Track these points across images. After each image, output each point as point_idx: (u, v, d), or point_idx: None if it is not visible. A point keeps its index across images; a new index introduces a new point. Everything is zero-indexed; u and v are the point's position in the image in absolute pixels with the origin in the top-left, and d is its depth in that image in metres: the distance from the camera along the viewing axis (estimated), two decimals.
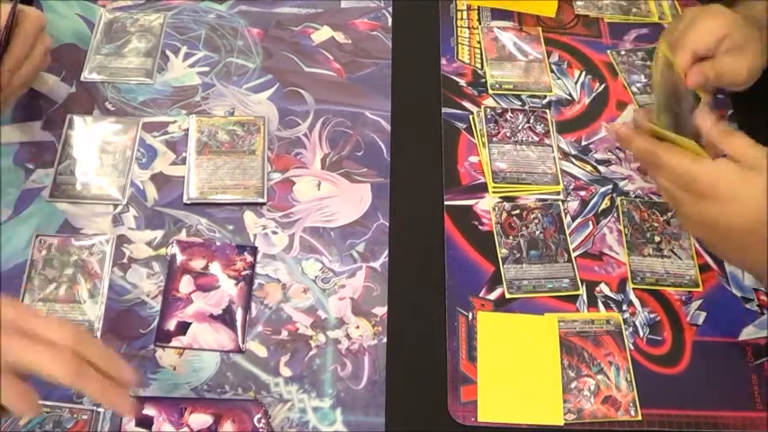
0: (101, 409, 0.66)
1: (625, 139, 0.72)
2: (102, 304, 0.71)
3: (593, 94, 0.89)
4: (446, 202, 0.79)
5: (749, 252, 0.66)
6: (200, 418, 0.65)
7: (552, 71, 0.90)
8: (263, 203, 0.78)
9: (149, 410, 0.66)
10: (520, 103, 0.87)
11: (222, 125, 0.82)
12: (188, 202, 0.77)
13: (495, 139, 0.84)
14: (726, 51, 0.74)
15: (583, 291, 0.75)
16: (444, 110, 0.86)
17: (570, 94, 0.88)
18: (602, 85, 0.89)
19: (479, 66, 0.90)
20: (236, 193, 0.78)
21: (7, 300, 0.55)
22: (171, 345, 0.70)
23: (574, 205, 0.80)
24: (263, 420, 0.66)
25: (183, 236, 0.76)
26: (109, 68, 0.86)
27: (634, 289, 0.75)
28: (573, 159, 0.83)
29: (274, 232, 0.77)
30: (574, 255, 0.77)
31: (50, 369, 0.53)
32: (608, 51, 0.92)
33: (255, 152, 0.80)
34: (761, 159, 0.64)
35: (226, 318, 0.71)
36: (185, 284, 0.73)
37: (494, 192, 0.80)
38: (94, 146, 0.81)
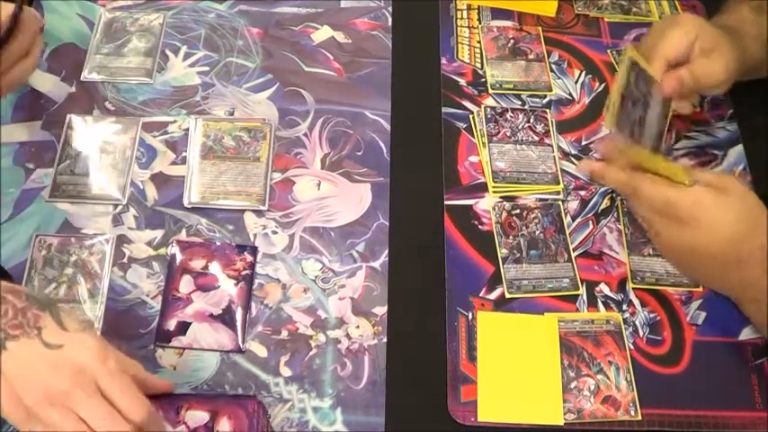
0: None
1: (599, 176, 0.73)
2: (102, 304, 0.71)
3: (594, 94, 0.89)
4: (446, 202, 0.79)
5: (726, 275, 0.68)
6: (197, 415, 0.65)
7: (552, 71, 0.90)
8: (264, 211, 0.78)
9: None
10: (520, 103, 0.87)
11: (229, 130, 0.82)
12: (189, 206, 0.77)
13: (495, 138, 0.84)
14: (698, 54, 0.75)
15: (583, 291, 0.75)
16: (444, 110, 0.86)
17: (570, 94, 0.88)
18: (603, 85, 0.89)
19: (479, 65, 0.90)
20: (238, 200, 0.78)
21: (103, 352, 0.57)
22: (171, 345, 0.70)
23: (574, 205, 0.80)
24: (258, 413, 0.65)
25: (182, 236, 0.76)
26: (109, 68, 0.86)
27: (634, 289, 0.75)
28: (573, 159, 0.83)
29: (274, 232, 0.77)
30: (574, 254, 0.77)
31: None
32: (608, 51, 0.92)
33: (260, 159, 0.80)
34: (731, 183, 0.67)
35: (226, 318, 0.71)
36: (185, 284, 0.73)
37: (494, 191, 0.80)
38: (94, 146, 0.81)
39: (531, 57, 0.91)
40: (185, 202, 0.77)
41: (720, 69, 0.75)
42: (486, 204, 0.79)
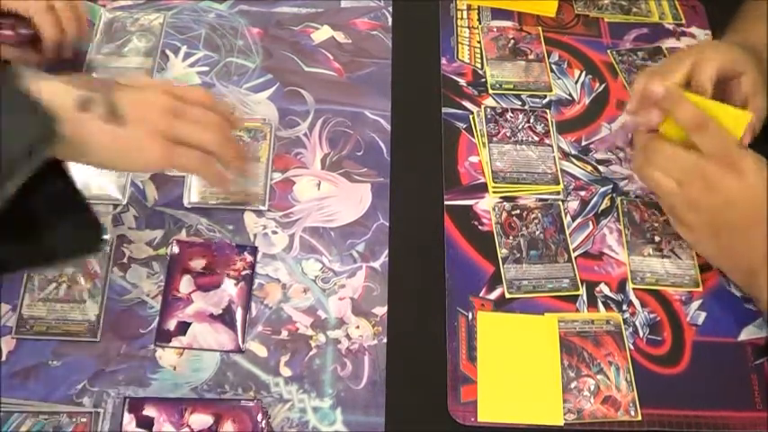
0: (100, 410, 0.66)
1: (674, 97, 0.70)
2: (103, 304, 0.71)
3: (594, 94, 0.89)
4: (446, 202, 0.79)
5: (755, 234, 0.67)
6: (201, 419, 0.65)
7: (552, 71, 0.90)
8: (264, 210, 0.78)
9: (149, 411, 0.65)
10: (520, 103, 0.87)
11: None
12: (188, 206, 0.77)
13: (495, 138, 0.84)
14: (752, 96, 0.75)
15: (583, 291, 0.75)
16: (444, 110, 0.86)
17: (570, 94, 0.88)
18: (603, 85, 0.89)
19: (479, 65, 0.90)
20: (238, 199, 0.78)
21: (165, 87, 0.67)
22: (171, 345, 0.70)
23: (574, 205, 0.80)
24: (263, 421, 0.66)
25: (183, 236, 0.76)
26: (109, 68, 0.86)
27: (634, 289, 0.75)
28: (573, 159, 0.83)
29: (274, 232, 0.77)
30: (574, 255, 0.77)
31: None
32: (608, 51, 0.92)
33: (260, 159, 0.80)
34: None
35: (226, 318, 0.71)
36: (185, 284, 0.73)
37: (494, 192, 0.80)
38: None
39: (531, 57, 0.91)
40: (185, 202, 0.77)
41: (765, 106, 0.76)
42: (486, 205, 0.79)
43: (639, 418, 0.68)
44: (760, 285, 0.69)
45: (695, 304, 0.74)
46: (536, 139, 0.84)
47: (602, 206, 0.80)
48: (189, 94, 0.68)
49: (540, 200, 0.80)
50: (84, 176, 0.77)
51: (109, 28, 0.90)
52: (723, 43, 0.79)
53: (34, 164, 0.56)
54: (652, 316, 0.74)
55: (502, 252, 0.76)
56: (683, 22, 0.96)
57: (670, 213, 0.74)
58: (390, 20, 0.93)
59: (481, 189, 0.80)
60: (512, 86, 0.88)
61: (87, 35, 0.85)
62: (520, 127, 0.85)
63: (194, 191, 0.78)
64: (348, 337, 0.71)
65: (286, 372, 0.69)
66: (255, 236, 0.76)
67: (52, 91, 0.59)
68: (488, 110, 0.86)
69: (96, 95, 0.61)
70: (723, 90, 0.75)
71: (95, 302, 0.71)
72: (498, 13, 0.95)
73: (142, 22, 0.91)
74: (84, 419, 0.65)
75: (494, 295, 0.74)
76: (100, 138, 0.61)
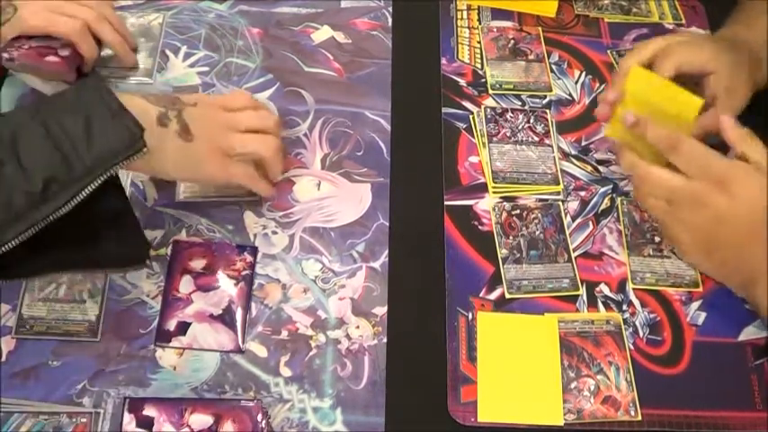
0: (100, 410, 0.66)
1: (643, 127, 0.71)
2: (103, 304, 0.71)
3: (594, 94, 0.89)
4: (446, 202, 0.79)
5: (750, 247, 0.67)
6: (201, 419, 0.65)
7: (552, 71, 0.90)
8: (256, 201, 0.78)
9: (149, 411, 0.65)
10: (520, 103, 0.87)
11: None
12: (180, 200, 0.77)
13: (495, 139, 0.84)
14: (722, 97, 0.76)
15: (583, 291, 0.75)
16: (444, 110, 0.86)
17: (570, 94, 0.88)
18: (603, 85, 0.89)
19: (479, 66, 0.90)
20: (229, 192, 0.77)
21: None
22: (171, 345, 0.70)
23: (574, 205, 0.80)
24: (263, 421, 0.66)
25: (182, 236, 0.76)
26: (109, 68, 0.86)
27: (634, 289, 0.75)
28: (573, 159, 0.83)
29: (274, 232, 0.77)
30: (574, 255, 0.77)
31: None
32: (608, 51, 0.92)
33: None
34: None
35: (226, 318, 0.71)
36: (185, 284, 0.73)
37: (494, 192, 0.80)
38: None
39: (531, 57, 0.91)
40: (176, 198, 0.77)
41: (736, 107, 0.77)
42: (486, 205, 0.79)
43: (639, 418, 0.68)
44: (759, 294, 0.69)
45: (695, 304, 0.74)
46: (536, 139, 0.84)
47: (602, 206, 0.80)
48: (238, 102, 0.75)
49: (540, 200, 0.80)
50: None
51: None
52: (699, 41, 0.80)
53: (117, 168, 0.61)
54: (652, 316, 0.74)
55: (502, 252, 0.76)
56: (683, 22, 0.96)
57: (663, 232, 0.76)
58: (390, 20, 0.93)
59: (481, 189, 0.80)
60: (512, 86, 0.88)
61: (131, 41, 0.87)
62: (520, 127, 0.85)
63: (182, 186, 0.78)
64: (348, 337, 0.71)
65: (286, 372, 0.69)
66: (255, 236, 0.76)
67: (137, 105, 0.65)
68: (488, 110, 0.86)
69: (171, 112, 0.67)
70: (697, 84, 0.76)
71: (95, 302, 0.71)
72: (498, 14, 0.95)
73: (142, 23, 0.91)
74: (84, 419, 0.65)
75: (494, 295, 0.74)
76: (172, 151, 0.67)
